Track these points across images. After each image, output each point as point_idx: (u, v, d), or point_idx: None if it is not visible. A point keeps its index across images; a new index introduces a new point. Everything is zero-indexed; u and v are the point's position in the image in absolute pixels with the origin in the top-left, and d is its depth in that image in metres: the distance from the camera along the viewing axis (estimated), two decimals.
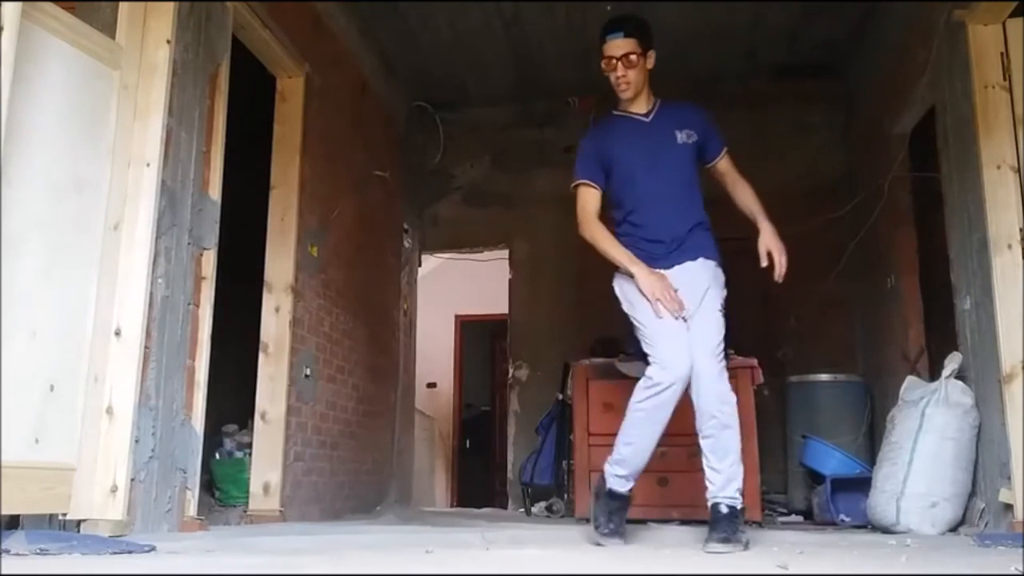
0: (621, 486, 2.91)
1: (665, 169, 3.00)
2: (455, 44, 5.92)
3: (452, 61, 6.17)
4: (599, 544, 2.80)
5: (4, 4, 2.24)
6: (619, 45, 2.98)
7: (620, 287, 3.01)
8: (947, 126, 4.05)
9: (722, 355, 2.84)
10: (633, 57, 2.98)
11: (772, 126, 6.38)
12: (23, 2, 2.35)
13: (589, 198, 3.06)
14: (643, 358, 2.91)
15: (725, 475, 2.76)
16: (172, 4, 3.11)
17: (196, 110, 3.32)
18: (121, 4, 2.98)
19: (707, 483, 2.78)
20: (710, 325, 2.84)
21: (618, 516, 2.88)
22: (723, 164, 3.15)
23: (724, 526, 2.65)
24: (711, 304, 2.88)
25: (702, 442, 2.81)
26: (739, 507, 2.72)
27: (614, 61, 2.98)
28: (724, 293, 2.95)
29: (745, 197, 3.12)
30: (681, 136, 3.03)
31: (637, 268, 2.89)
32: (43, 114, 2.56)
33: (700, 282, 2.91)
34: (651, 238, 2.98)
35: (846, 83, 6.17)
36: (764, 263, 2.98)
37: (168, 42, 3.08)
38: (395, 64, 6.11)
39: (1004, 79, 3.64)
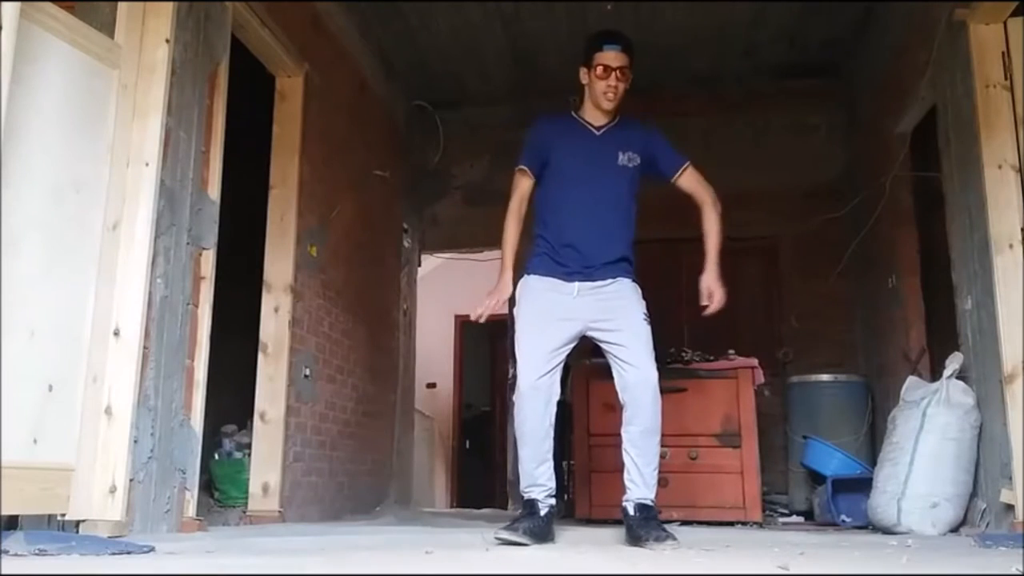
0: (528, 494, 2.97)
1: (598, 187, 3.05)
2: (455, 43, 5.91)
3: (452, 60, 6.17)
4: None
5: (3, 4, 2.23)
6: (618, 57, 3.05)
7: (519, 288, 3.10)
8: (948, 126, 4.04)
9: (654, 363, 2.93)
10: (626, 70, 3.06)
11: (772, 126, 6.39)
12: (22, 2, 2.34)
13: (520, 184, 3.15)
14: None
15: (648, 479, 2.88)
16: (171, 4, 3.10)
17: (195, 110, 3.32)
18: (120, 4, 2.97)
19: (628, 483, 2.90)
20: (639, 335, 2.95)
21: (523, 517, 2.87)
22: (687, 181, 3.15)
23: (645, 525, 2.77)
24: (635, 315, 2.97)
25: (627, 444, 2.92)
26: (651, 506, 2.87)
27: (609, 70, 3.04)
28: (644, 304, 3.03)
29: (709, 226, 3.13)
30: (622, 158, 3.07)
31: (500, 278, 3.07)
32: (42, 114, 2.55)
33: (618, 299, 2.99)
34: (566, 246, 3.02)
35: (846, 83, 6.16)
36: (704, 301, 3.05)
37: (167, 41, 3.07)
38: (395, 63, 6.11)
39: (1005, 78, 3.64)
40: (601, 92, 3.05)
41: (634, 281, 3.06)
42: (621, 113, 3.16)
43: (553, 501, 2.96)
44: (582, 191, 3.04)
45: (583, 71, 3.11)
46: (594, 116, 3.13)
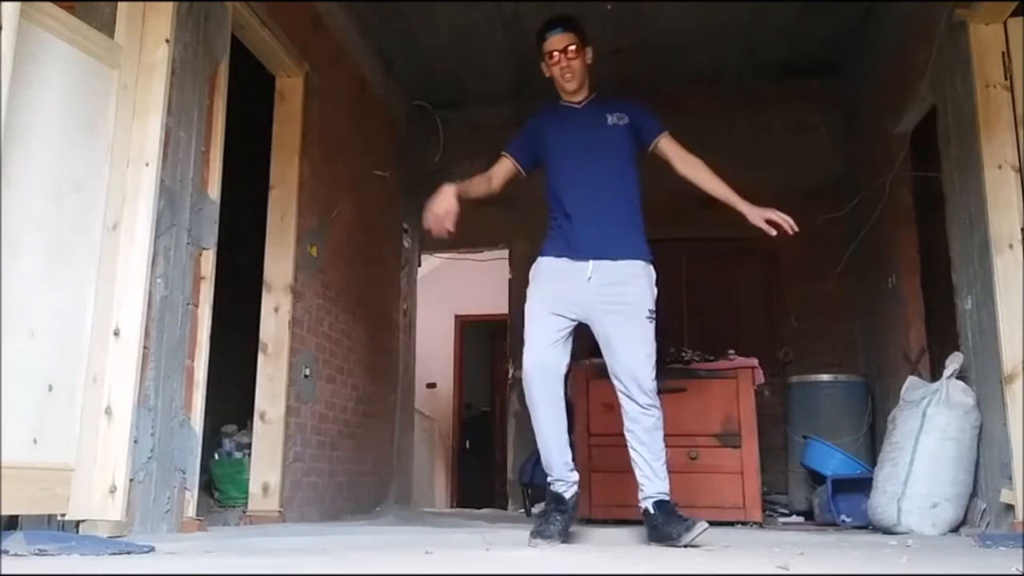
0: (553, 486, 2.94)
1: (595, 152, 3.07)
2: (455, 43, 5.91)
3: (452, 60, 6.16)
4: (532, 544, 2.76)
5: (3, 4, 2.23)
6: (562, 39, 3.15)
7: (532, 271, 3.09)
8: (948, 126, 4.04)
9: (652, 362, 2.90)
10: (573, 48, 3.14)
11: (772, 126, 6.39)
12: (22, 2, 2.34)
13: (497, 164, 3.29)
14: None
15: (658, 472, 2.87)
16: (171, 3, 3.10)
17: (195, 110, 3.32)
18: (120, 3, 2.97)
19: (640, 480, 2.89)
20: (636, 334, 2.91)
21: (554, 519, 2.84)
22: (665, 144, 3.14)
23: (670, 522, 2.75)
24: (639, 312, 2.92)
25: (631, 441, 2.91)
26: (669, 502, 2.86)
27: (556, 54, 3.14)
28: (655, 292, 2.98)
29: (704, 177, 3.10)
30: (612, 118, 3.11)
31: (446, 189, 3.13)
32: (42, 114, 2.55)
33: (626, 294, 2.93)
34: (569, 216, 3.02)
35: (846, 83, 6.16)
36: (773, 232, 2.98)
37: (167, 41, 3.07)
38: (395, 63, 6.11)
39: (1005, 79, 3.64)
40: (559, 76, 3.16)
41: (648, 262, 2.99)
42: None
43: (573, 498, 2.95)
44: (578, 159, 3.07)
45: (542, 66, 3.22)
46: (574, 96, 3.20)
